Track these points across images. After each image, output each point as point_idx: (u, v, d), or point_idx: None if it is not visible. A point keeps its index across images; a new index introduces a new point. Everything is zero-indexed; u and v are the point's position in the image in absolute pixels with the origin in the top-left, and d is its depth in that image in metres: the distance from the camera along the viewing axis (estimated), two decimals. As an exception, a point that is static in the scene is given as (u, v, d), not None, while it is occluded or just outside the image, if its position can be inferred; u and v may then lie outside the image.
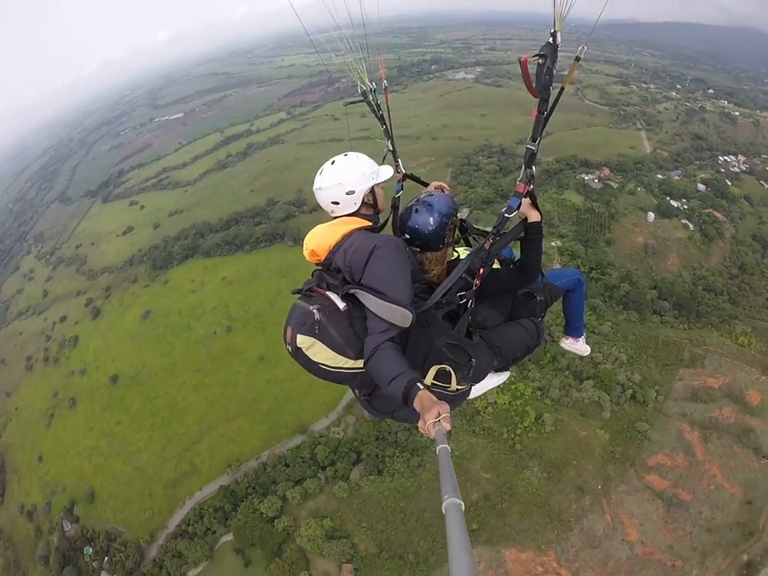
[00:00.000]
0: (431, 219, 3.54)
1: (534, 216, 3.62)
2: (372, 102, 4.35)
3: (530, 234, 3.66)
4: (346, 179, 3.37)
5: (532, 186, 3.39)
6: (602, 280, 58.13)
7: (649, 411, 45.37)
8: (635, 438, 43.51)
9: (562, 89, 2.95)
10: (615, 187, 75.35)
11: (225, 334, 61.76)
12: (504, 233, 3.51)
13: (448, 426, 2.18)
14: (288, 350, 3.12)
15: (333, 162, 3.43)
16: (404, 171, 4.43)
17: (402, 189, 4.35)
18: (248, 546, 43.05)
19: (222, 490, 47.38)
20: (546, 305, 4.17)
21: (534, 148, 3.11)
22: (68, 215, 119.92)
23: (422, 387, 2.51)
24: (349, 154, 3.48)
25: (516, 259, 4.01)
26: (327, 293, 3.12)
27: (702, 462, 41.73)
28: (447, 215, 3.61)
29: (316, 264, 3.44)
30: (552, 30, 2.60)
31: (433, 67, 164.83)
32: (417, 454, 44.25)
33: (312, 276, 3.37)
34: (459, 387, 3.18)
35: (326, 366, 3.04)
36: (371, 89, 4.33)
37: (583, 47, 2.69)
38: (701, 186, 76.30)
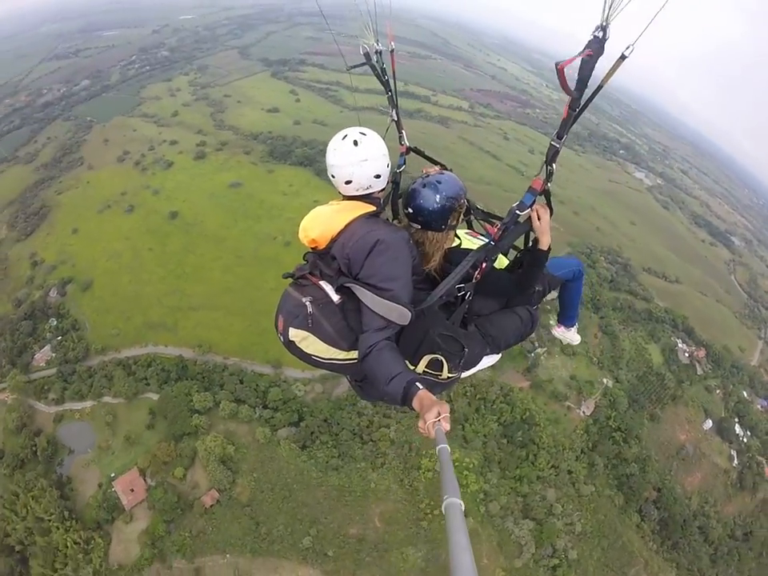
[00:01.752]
0: (437, 197, 3.38)
1: (544, 242, 3.44)
2: (377, 66, 3.99)
3: (535, 259, 3.52)
4: (385, 149, 3.26)
5: (549, 185, 3.17)
6: (620, 447, 53.15)
7: (554, 595, 41.18)
8: (518, 608, 40.01)
9: (600, 87, 2.69)
10: (698, 373, 68.24)
11: (281, 245, 62.96)
12: (517, 223, 3.34)
13: (447, 426, 2.20)
14: (280, 339, 3.08)
15: (363, 134, 3.19)
16: (407, 144, 4.12)
17: (404, 163, 4.12)
18: (161, 415, 45.16)
19: (179, 360, 49.81)
20: (543, 294, 4.10)
21: (558, 145, 2.89)
22: (237, 67, 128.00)
23: (421, 387, 2.51)
24: (363, 128, 3.25)
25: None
26: (321, 283, 3.02)
27: None
28: (454, 197, 3.44)
29: (311, 249, 3.26)
30: (601, 23, 2.34)
31: (621, 152, 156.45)
32: (344, 458, 43.57)
33: (305, 260, 3.28)
34: (450, 375, 3.27)
35: (319, 357, 3.03)
36: (377, 50, 3.97)
37: (631, 47, 2.41)
38: (776, 432, 67.06)
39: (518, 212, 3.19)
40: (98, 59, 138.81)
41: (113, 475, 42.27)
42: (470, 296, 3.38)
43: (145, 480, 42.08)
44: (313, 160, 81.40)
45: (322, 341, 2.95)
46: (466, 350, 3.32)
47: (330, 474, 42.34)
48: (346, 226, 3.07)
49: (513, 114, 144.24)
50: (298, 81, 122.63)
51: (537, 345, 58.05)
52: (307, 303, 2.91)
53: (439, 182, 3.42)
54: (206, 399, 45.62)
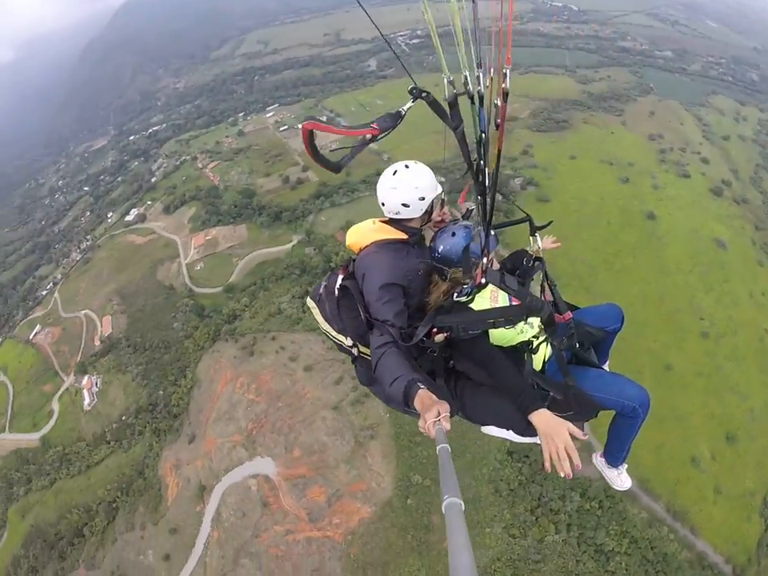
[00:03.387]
0: (442, 246, 3.29)
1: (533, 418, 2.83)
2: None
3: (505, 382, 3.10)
4: (421, 184, 3.28)
5: (485, 280, 3.06)
6: None
7: None
8: None
9: (499, 151, 2.35)
10: None
11: (708, 326, 53.95)
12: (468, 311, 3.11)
13: (448, 426, 2.17)
14: None
15: (406, 167, 3.27)
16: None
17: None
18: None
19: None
20: (566, 407, 2.98)
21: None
22: None
23: (422, 387, 2.50)
24: (413, 163, 3.31)
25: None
26: (339, 276, 3.33)
27: None
28: (461, 253, 3.20)
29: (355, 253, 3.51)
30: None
31: None
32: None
33: None
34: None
35: (321, 326, 3.42)
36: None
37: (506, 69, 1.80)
38: None
39: (454, 297, 3.10)
40: (690, 40, 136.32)
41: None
42: (431, 351, 3.15)
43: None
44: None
45: (321, 315, 3.39)
46: None
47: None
48: (370, 243, 3.33)
49: None
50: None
51: None
52: (323, 285, 3.43)
53: (454, 234, 3.30)
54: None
